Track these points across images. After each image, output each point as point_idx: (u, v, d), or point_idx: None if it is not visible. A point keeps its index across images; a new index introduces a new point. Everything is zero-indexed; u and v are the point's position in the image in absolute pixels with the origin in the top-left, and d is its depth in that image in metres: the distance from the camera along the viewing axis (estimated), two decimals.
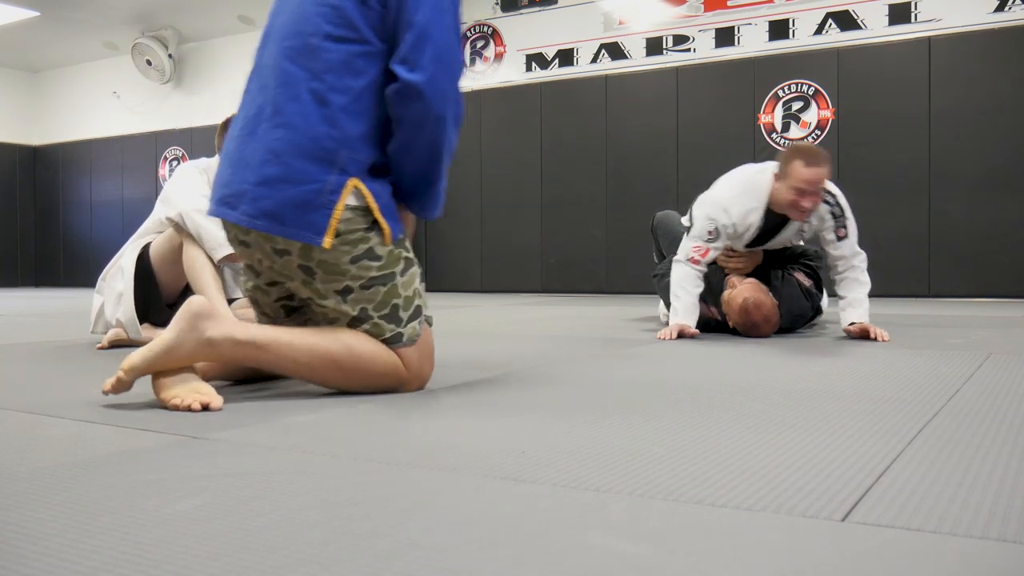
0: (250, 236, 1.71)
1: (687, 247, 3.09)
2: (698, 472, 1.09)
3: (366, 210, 1.70)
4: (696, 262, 3.05)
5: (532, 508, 0.93)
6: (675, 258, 3.12)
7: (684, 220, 3.54)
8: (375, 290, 1.71)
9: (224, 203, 1.71)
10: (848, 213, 3.01)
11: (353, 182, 1.67)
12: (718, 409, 1.55)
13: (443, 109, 1.65)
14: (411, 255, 1.80)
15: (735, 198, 3.01)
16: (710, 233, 3.03)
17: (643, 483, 1.03)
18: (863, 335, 2.88)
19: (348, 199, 1.67)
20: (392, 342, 1.73)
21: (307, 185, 1.64)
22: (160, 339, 1.61)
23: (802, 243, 3.30)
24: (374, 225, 1.71)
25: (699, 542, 0.82)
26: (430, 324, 1.82)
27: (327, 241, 1.64)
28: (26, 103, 10.56)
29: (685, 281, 3.04)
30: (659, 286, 3.47)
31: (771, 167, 3.04)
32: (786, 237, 3.15)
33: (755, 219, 3.00)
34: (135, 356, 1.60)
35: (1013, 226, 5.63)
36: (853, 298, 2.98)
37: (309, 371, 1.70)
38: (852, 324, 2.92)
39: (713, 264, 3.25)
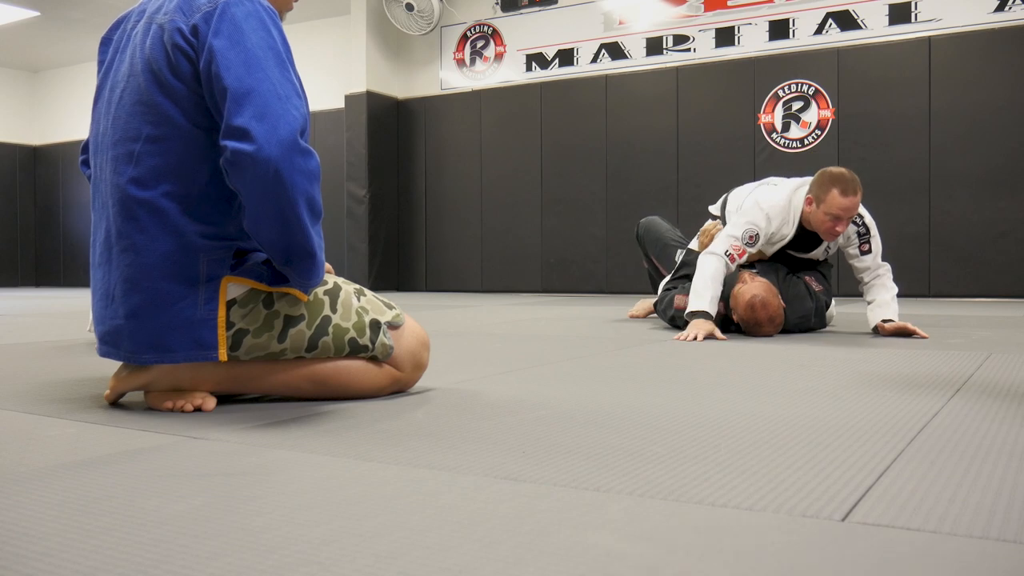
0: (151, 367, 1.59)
1: (725, 243, 3.09)
2: (698, 472, 1.09)
3: (254, 291, 1.56)
4: (732, 259, 3.09)
5: (532, 508, 0.93)
6: (710, 249, 3.12)
7: (714, 209, 3.59)
8: (323, 342, 1.61)
9: (105, 342, 1.59)
10: (874, 231, 3.14)
11: (226, 281, 1.54)
12: (718, 409, 1.55)
13: (280, 167, 1.39)
14: (329, 283, 1.66)
15: (778, 211, 3.11)
16: (751, 237, 3.10)
17: (643, 483, 1.03)
18: (899, 333, 2.94)
19: (229, 295, 1.54)
20: (375, 361, 1.68)
21: (178, 303, 1.51)
22: (136, 379, 1.59)
23: (827, 259, 3.38)
24: (272, 295, 1.58)
25: (699, 542, 0.82)
26: (399, 324, 1.70)
27: (222, 354, 1.53)
28: (26, 103, 10.56)
29: (717, 274, 3.05)
30: (662, 312, 3.48)
31: (807, 186, 3.13)
32: (815, 254, 3.25)
33: (788, 232, 3.14)
34: (116, 386, 1.61)
35: (1013, 226, 5.63)
36: (881, 300, 3.07)
37: (298, 392, 1.65)
38: (886, 322, 2.97)
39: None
